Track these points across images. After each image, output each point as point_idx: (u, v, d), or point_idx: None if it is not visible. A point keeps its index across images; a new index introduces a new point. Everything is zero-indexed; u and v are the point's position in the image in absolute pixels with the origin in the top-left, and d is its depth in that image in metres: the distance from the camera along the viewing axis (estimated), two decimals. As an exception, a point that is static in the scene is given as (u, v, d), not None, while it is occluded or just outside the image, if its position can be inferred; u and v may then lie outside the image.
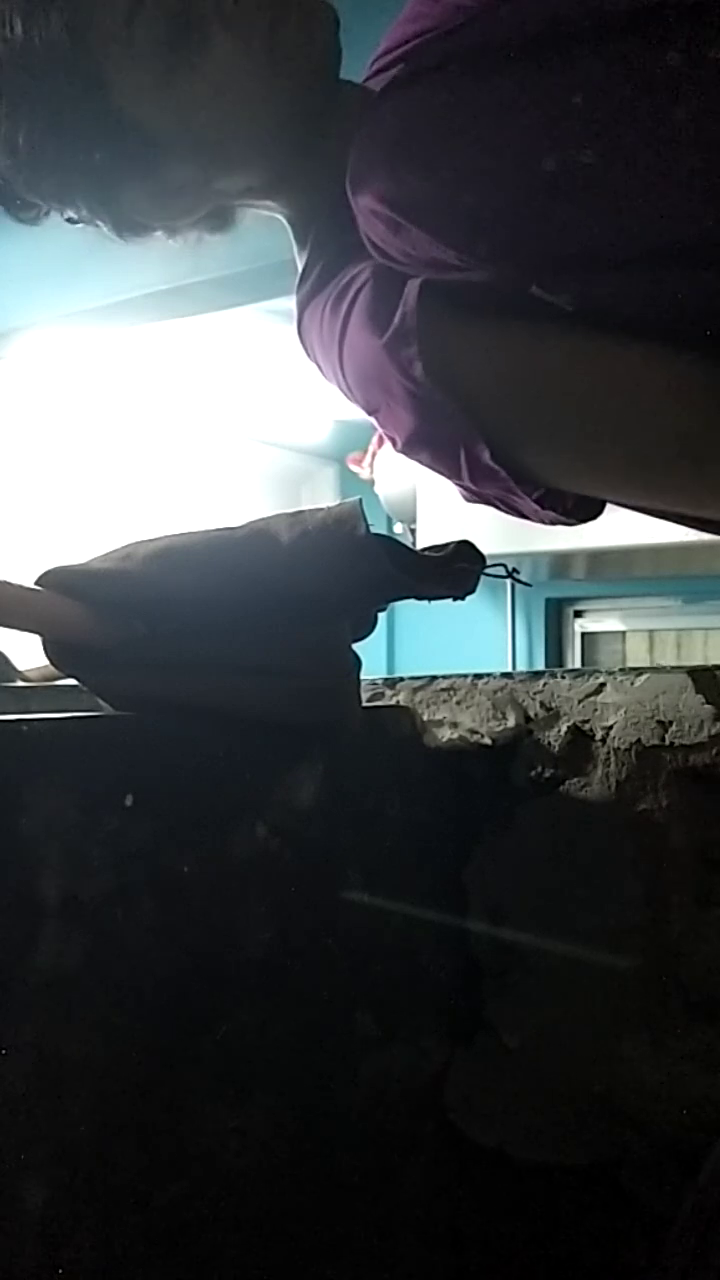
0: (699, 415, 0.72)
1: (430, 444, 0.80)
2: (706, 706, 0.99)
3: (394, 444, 0.83)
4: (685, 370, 0.72)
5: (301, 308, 0.85)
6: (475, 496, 0.85)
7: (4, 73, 0.80)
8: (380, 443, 4.02)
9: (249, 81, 0.78)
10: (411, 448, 0.81)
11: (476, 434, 0.76)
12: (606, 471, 0.78)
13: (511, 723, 1.06)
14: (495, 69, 0.70)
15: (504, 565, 0.98)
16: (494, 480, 0.79)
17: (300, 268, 0.87)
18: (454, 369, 0.75)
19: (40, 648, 0.82)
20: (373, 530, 0.83)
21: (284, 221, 0.90)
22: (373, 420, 0.84)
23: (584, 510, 0.83)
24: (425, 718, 1.09)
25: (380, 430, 0.84)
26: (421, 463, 0.83)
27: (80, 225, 0.89)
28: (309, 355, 0.87)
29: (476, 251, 0.72)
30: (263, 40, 0.77)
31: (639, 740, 1.01)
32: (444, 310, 0.74)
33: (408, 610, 4.08)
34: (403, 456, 0.84)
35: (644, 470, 0.76)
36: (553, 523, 0.83)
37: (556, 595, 4.51)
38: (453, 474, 0.81)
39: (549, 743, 1.06)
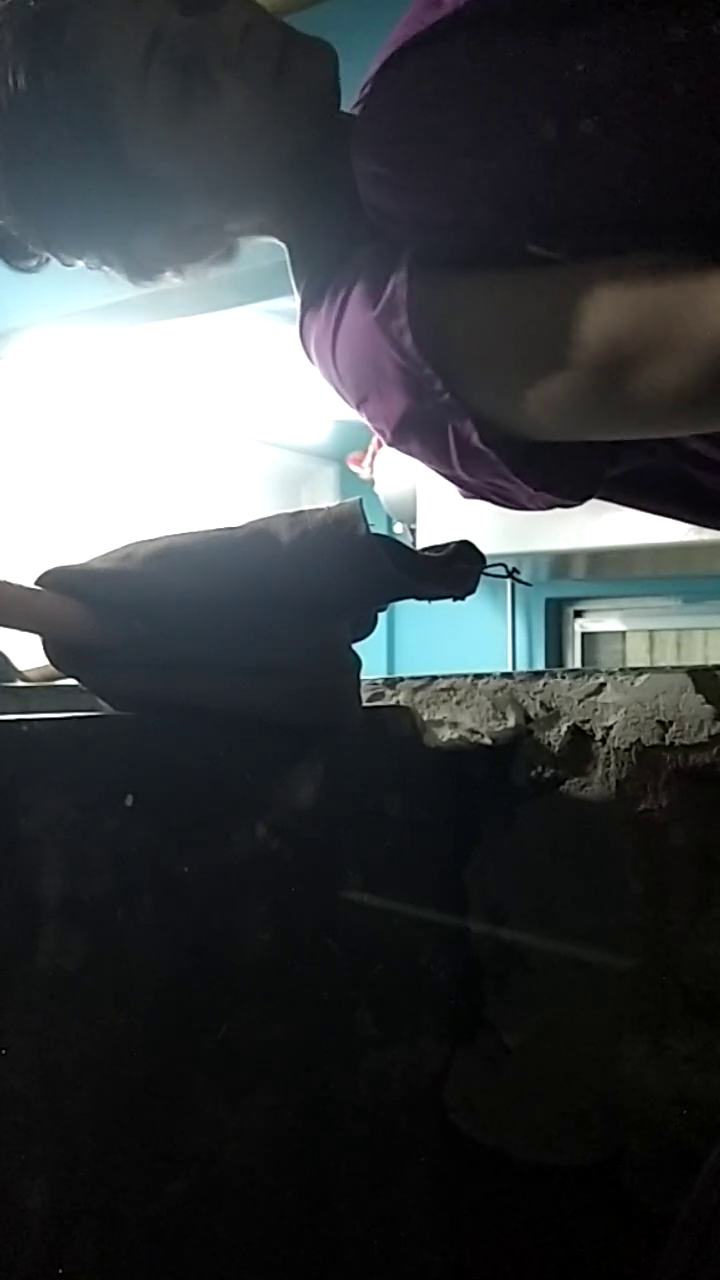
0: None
1: (419, 429, 0.79)
2: (706, 706, 0.99)
3: (383, 437, 0.83)
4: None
5: (303, 312, 0.86)
6: (470, 490, 0.85)
7: (7, 128, 0.80)
8: (380, 443, 4.01)
9: (258, 123, 0.79)
10: (401, 436, 0.81)
11: (463, 411, 0.76)
12: (591, 403, 0.76)
13: (511, 723, 1.06)
14: (499, 37, 0.71)
15: (504, 565, 0.98)
16: (483, 464, 0.78)
17: (300, 288, 0.87)
18: (440, 333, 0.74)
19: (40, 648, 0.82)
20: (373, 530, 0.83)
21: (284, 248, 0.90)
22: (363, 417, 0.84)
23: (578, 488, 0.82)
24: (425, 718, 1.09)
25: (370, 425, 0.84)
26: (412, 454, 0.83)
27: (85, 268, 0.89)
28: (308, 357, 0.87)
29: (474, 214, 0.73)
30: (269, 83, 0.78)
31: (639, 740, 1.01)
32: (434, 278, 0.75)
33: (408, 610, 4.08)
34: (394, 451, 0.84)
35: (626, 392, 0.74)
36: (548, 506, 0.82)
37: (556, 595, 4.50)
38: (443, 462, 0.81)
39: (549, 743, 1.06)
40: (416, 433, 0.80)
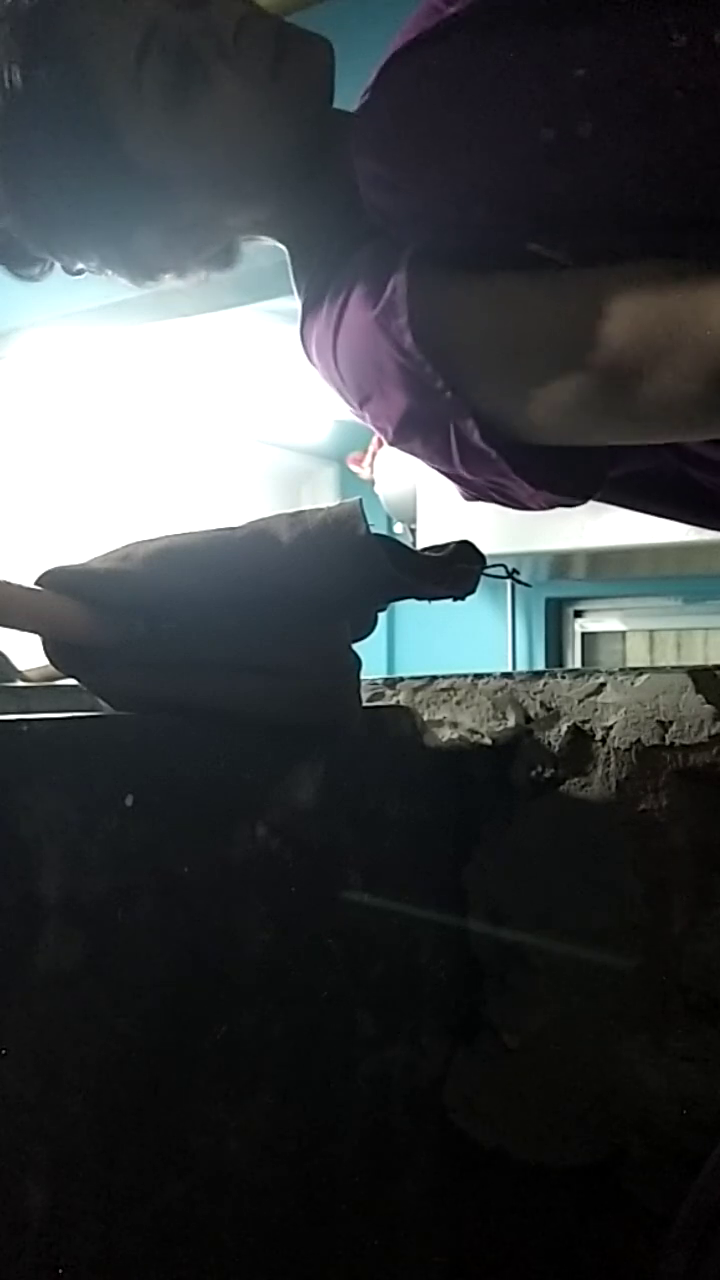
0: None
1: (421, 427, 0.79)
2: (706, 706, 0.99)
3: (385, 436, 0.83)
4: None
5: (304, 314, 0.86)
6: (472, 491, 0.85)
7: (4, 125, 0.80)
8: (380, 443, 4.02)
9: (253, 115, 0.80)
10: (403, 435, 0.81)
11: (465, 409, 0.76)
12: (594, 408, 0.75)
13: (511, 723, 1.06)
14: (499, 38, 0.71)
15: (504, 565, 0.98)
16: (484, 463, 0.78)
17: (301, 290, 0.87)
18: (441, 333, 0.75)
19: (40, 648, 0.82)
20: (373, 530, 0.83)
21: (284, 250, 0.90)
22: (365, 419, 0.84)
23: (579, 488, 0.81)
24: (425, 718, 1.09)
25: (372, 425, 0.84)
26: (414, 453, 0.83)
27: (86, 275, 0.89)
28: (309, 359, 0.87)
29: (473, 214, 0.73)
30: (265, 75, 0.78)
31: (639, 740, 1.01)
32: (434, 277, 0.75)
33: (408, 610, 4.08)
34: (395, 450, 0.84)
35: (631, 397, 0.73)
36: (549, 505, 0.82)
37: (556, 595, 4.51)
38: (444, 461, 0.80)
39: (549, 743, 1.06)
40: (418, 432, 0.80)
